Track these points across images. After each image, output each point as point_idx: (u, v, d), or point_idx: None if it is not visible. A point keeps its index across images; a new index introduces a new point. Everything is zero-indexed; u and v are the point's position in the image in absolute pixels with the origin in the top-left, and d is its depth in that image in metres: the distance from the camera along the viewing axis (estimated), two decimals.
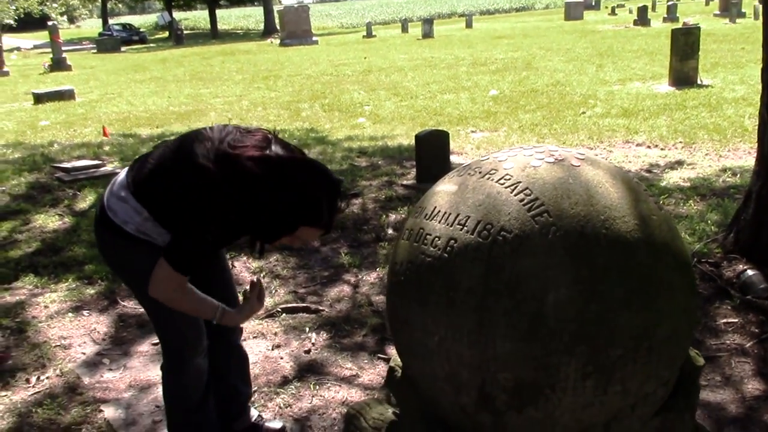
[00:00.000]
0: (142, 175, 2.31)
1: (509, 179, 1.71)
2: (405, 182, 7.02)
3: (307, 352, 3.93)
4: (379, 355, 3.86)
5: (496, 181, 1.72)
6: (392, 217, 6.01)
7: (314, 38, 31.21)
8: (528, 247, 1.60)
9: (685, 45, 11.66)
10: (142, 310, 4.48)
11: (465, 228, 1.67)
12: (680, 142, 7.96)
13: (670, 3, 29.31)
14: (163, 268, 2.20)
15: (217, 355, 2.82)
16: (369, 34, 33.00)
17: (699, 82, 11.80)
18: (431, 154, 6.85)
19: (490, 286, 1.61)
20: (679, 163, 7.09)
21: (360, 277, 4.88)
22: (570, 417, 1.66)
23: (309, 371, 3.74)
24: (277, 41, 32.74)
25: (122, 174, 2.42)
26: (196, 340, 2.60)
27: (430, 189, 1.92)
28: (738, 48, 16.68)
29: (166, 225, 2.30)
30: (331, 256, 5.28)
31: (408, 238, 1.81)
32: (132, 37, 45.76)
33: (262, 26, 46.58)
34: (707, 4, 40.25)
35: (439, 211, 1.75)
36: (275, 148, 2.17)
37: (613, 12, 37.70)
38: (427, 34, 28.96)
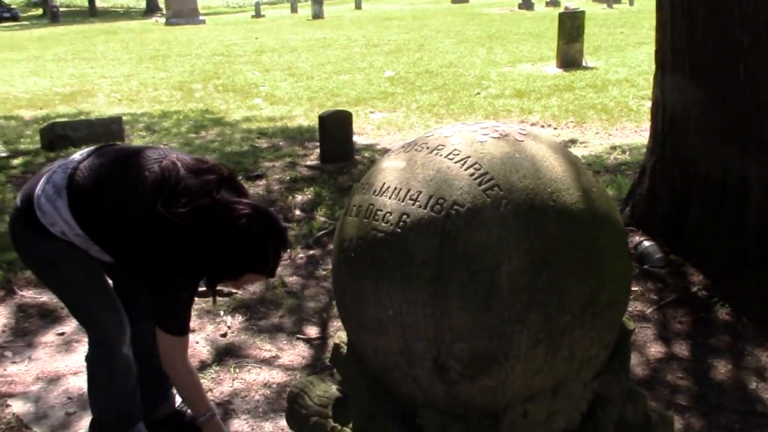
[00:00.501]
0: (81, 192, 2.24)
1: (458, 154, 1.74)
2: (309, 163, 6.98)
3: (224, 335, 3.87)
4: (298, 335, 3.85)
5: (445, 157, 1.75)
6: (298, 197, 5.98)
7: (201, 17, 30.39)
8: (481, 220, 1.64)
9: (571, 28, 12.10)
10: (43, 299, 4.31)
11: (417, 203, 1.69)
12: (572, 121, 8.29)
13: None
14: (164, 339, 2.27)
15: (141, 341, 2.74)
16: (258, 14, 32.44)
17: (584, 64, 12.29)
18: (334, 134, 6.85)
19: (444, 259, 1.63)
20: (573, 142, 7.39)
21: None
22: (521, 383, 1.72)
23: (227, 354, 3.69)
24: (163, 20, 31.66)
25: (58, 173, 2.31)
26: (119, 327, 2.51)
27: (375, 166, 1.93)
28: (617, 32, 17.47)
29: (106, 248, 2.29)
30: None
31: (357, 215, 1.82)
32: (2, 14, 43.07)
33: (144, 4, 44.87)
34: None
35: (389, 187, 1.77)
36: (224, 193, 2.16)
37: None
38: (317, 15, 28.75)
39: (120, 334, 2.49)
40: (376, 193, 1.79)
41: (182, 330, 2.30)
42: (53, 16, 37.62)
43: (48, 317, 4.08)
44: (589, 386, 1.85)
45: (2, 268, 4.68)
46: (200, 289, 2.41)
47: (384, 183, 1.79)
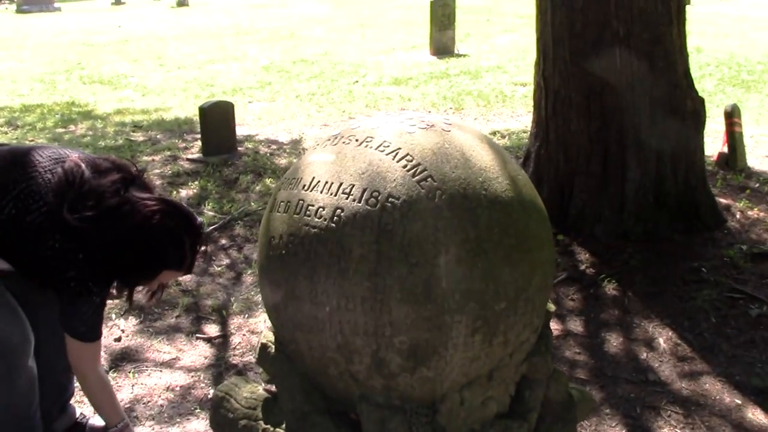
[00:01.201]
0: None
1: (389, 146, 1.73)
2: (190, 156, 6.76)
3: (118, 340, 3.70)
4: (198, 335, 3.73)
5: (376, 149, 1.73)
6: (183, 192, 5.78)
7: (56, 5, 28.72)
8: (417, 212, 1.63)
9: (443, 16, 12.33)
10: None
11: (351, 196, 1.67)
12: (451, 108, 8.46)
13: None
14: (74, 347, 2.17)
15: (39, 350, 2.57)
16: (118, 1, 31.03)
17: (456, 51, 12.56)
18: (216, 126, 6.66)
19: (382, 252, 1.62)
20: None
21: None
22: (459, 371, 1.73)
23: (123, 359, 3.53)
24: (13, 7, 29.71)
25: None
26: (23, 339, 2.35)
27: (301, 159, 1.88)
28: (484, 19, 17.96)
29: (5, 255, 2.18)
30: None
31: (285, 211, 1.77)
32: None
33: None
34: None
35: (320, 181, 1.73)
36: (133, 191, 2.05)
37: None
38: (182, 2, 27.82)
39: (24, 346, 2.33)
40: (305, 188, 1.75)
41: (94, 336, 2.19)
42: None
43: None
44: (520, 369, 1.90)
45: None
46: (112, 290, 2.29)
47: (313, 177, 1.75)
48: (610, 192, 4.51)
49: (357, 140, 1.78)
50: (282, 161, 6.52)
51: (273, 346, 1.98)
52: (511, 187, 1.75)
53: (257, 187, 5.84)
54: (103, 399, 2.32)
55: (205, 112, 6.60)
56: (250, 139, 7.31)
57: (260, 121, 8.18)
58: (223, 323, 3.84)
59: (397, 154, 1.71)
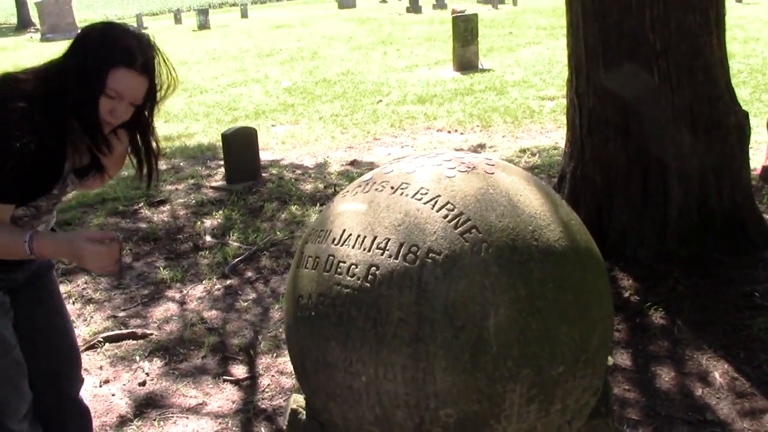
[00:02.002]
0: None
1: (426, 193, 1.56)
2: (214, 184, 6.65)
3: (143, 384, 3.56)
4: (225, 377, 3.58)
5: (413, 197, 1.56)
6: (208, 222, 5.66)
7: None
8: (461, 268, 1.46)
9: (465, 31, 12.17)
10: None
11: (387, 252, 1.49)
12: (477, 125, 8.27)
13: None
14: None
15: (51, 414, 2.41)
16: (140, 26, 31.30)
17: (480, 66, 12.38)
18: (239, 152, 6.56)
19: (424, 315, 1.44)
20: (481, 146, 7.36)
21: (185, 292, 4.52)
22: None
23: (148, 406, 3.39)
24: (38, 36, 30.09)
25: None
26: (14, 400, 2.18)
27: (329, 208, 1.71)
28: (506, 33, 17.78)
29: None
30: (147, 272, 4.85)
31: (314, 267, 1.60)
32: None
33: (14, 20, 42.57)
34: None
35: (351, 235, 1.56)
36: None
37: (383, 0, 38.77)
38: (203, 25, 27.99)
39: (17, 406, 2.16)
40: (336, 242, 1.58)
41: None
42: None
43: None
44: None
45: None
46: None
47: (344, 230, 1.58)
48: (652, 213, 4.29)
49: (391, 187, 1.60)
50: (307, 187, 6.38)
51: (304, 412, 1.81)
52: (565, 235, 1.56)
53: (282, 215, 5.70)
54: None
55: (228, 138, 6.50)
56: (274, 165, 7.18)
57: (284, 145, 8.06)
58: (251, 363, 3.69)
59: (436, 202, 1.53)
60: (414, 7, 28.11)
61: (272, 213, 5.76)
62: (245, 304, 4.31)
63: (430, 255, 1.47)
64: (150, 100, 2.06)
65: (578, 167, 4.58)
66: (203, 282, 4.63)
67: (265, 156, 7.40)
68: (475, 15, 12.48)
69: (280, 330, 3.93)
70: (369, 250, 1.51)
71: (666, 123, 4.19)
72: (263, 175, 6.73)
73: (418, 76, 12.32)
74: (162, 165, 7.42)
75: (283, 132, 8.77)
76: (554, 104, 9.03)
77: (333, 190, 6.19)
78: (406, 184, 1.60)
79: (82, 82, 1.90)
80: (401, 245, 1.49)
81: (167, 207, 6.10)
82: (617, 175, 4.36)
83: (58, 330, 2.38)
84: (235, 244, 5.18)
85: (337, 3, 36.94)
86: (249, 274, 4.73)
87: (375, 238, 1.52)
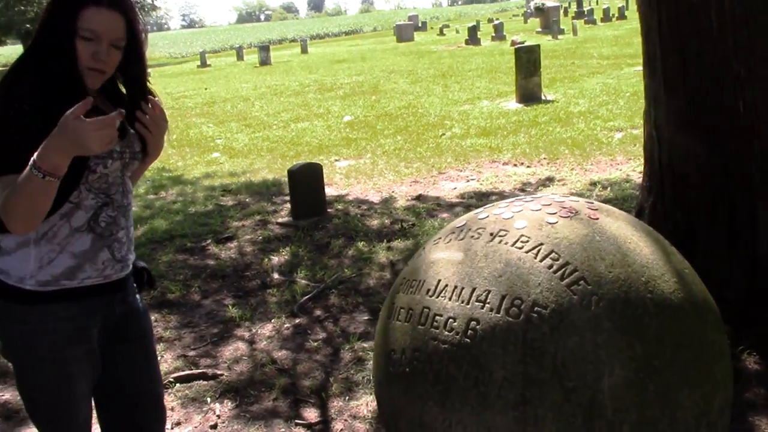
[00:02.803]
0: None
1: (527, 241, 1.45)
2: (280, 220, 6.64)
3: (214, 427, 3.50)
4: (297, 420, 3.49)
5: (513, 245, 1.46)
6: (275, 259, 5.63)
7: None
8: (570, 324, 1.34)
9: (528, 62, 12.06)
10: (5, 397, 3.88)
11: (487, 305, 1.39)
12: (544, 158, 8.12)
13: (496, 22, 30.65)
14: None
15: None
16: (203, 64, 32.13)
17: (543, 97, 12.24)
18: (305, 188, 6.54)
19: (530, 374, 1.33)
20: (550, 180, 7.20)
21: (254, 331, 4.47)
22: None
23: None
24: None
25: None
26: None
27: (421, 256, 1.62)
28: (568, 63, 17.60)
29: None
30: (216, 310, 4.82)
31: (407, 320, 1.51)
32: None
33: None
34: (526, 21, 42.59)
35: (447, 285, 1.46)
36: None
37: (441, 32, 39.01)
38: (265, 61, 28.58)
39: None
40: (430, 294, 1.48)
41: None
42: None
43: (12, 419, 3.65)
44: None
45: None
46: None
47: (439, 281, 1.48)
48: (739, 249, 4.07)
49: (489, 234, 1.51)
50: (374, 222, 6.31)
51: None
52: (680, 286, 1.44)
53: (350, 252, 5.63)
54: (15, 201, 1.79)
55: (294, 174, 6.49)
56: (339, 200, 7.15)
57: (348, 180, 8.04)
58: (323, 407, 3.59)
59: (539, 250, 1.43)
60: (473, 39, 28.17)
61: (339, 249, 5.70)
62: (315, 344, 4.23)
63: (536, 309, 1.36)
64: (133, 40, 1.96)
65: (657, 202, 4.39)
66: (272, 321, 4.57)
67: (329, 191, 7.38)
68: (538, 46, 12.37)
69: (352, 372, 3.84)
70: (468, 303, 1.41)
71: (753, 154, 3.99)
72: (329, 210, 6.70)
73: (480, 108, 12.24)
74: (228, 201, 7.50)
75: (346, 166, 8.76)
76: (623, 135, 8.82)
77: (400, 225, 6.11)
78: (505, 231, 1.50)
79: (54, 30, 1.85)
80: (503, 298, 1.39)
81: (234, 243, 6.11)
82: (700, 210, 4.17)
83: (152, 382, 2.33)
84: (303, 281, 5.12)
85: (396, 37, 37.33)
86: (318, 312, 4.66)
87: (474, 289, 1.42)
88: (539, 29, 30.94)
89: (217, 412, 3.60)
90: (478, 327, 1.38)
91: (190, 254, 5.93)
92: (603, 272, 1.39)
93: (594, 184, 6.86)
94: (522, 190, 6.95)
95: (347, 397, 3.63)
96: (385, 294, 4.75)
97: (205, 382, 3.91)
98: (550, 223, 1.48)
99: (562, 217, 1.51)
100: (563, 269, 1.39)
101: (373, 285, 4.94)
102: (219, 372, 3.99)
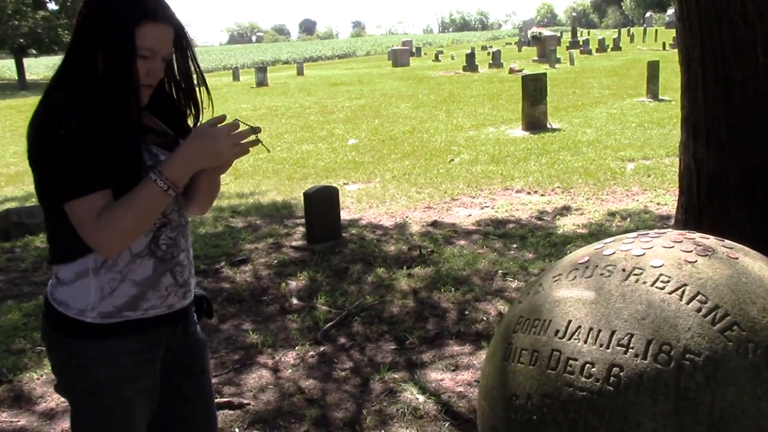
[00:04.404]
0: None
1: (668, 281, 1.35)
2: (294, 244, 6.52)
3: None
4: None
5: (652, 285, 1.35)
6: (293, 284, 5.49)
7: None
8: (726, 373, 1.23)
9: (535, 90, 12.06)
10: (21, 423, 3.72)
11: (631, 350, 1.28)
12: (558, 187, 8.05)
13: (493, 50, 30.82)
14: (70, 209, 1.70)
15: None
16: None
17: (549, 126, 12.22)
18: (320, 212, 6.42)
19: (685, 427, 1.22)
20: (566, 209, 7.12)
21: (277, 358, 4.33)
22: None
23: None
24: None
25: None
26: None
27: (540, 293, 1.51)
28: (570, 92, 17.64)
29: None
30: (235, 335, 4.68)
31: (532, 363, 1.39)
32: None
33: None
34: (520, 50, 42.90)
35: (580, 327, 1.35)
36: None
37: (436, 58, 39.21)
38: (262, 82, 28.56)
39: None
40: (560, 335, 1.37)
41: (75, 187, 1.69)
42: None
43: None
44: None
45: None
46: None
47: (569, 321, 1.37)
48: None
49: (622, 270, 1.40)
50: (390, 248, 6.20)
51: None
52: None
53: (369, 278, 5.51)
54: (131, 205, 1.71)
55: (310, 197, 6.38)
56: (353, 224, 7.04)
57: (360, 204, 7.93)
58: None
59: (683, 292, 1.32)
60: (470, 66, 28.29)
61: (358, 275, 5.58)
62: (343, 373, 4.09)
63: (687, 356, 1.25)
64: (179, 45, 1.88)
65: None
66: (295, 348, 4.43)
67: (342, 215, 7.27)
68: (544, 74, 12.39)
69: (385, 404, 3.71)
70: (608, 347, 1.30)
71: None
72: (343, 235, 6.58)
73: (486, 135, 12.20)
74: (238, 223, 7.37)
75: (356, 190, 8.66)
76: (635, 165, 8.78)
77: (419, 252, 6.00)
78: (639, 269, 1.39)
79: (109, 48, 1.73)
80: (649, 343, 1.28)
81: (249, 267, 5.97)
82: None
83: (209, 422, 2.19)
84: (324, 307, 4.99)
85: (391, 62, 37.47)
86: (342, 340, 4.53)
87: (613, 332, 1.31)
88: (535, 58, 31.15)
89: None
90: (621, 374, 1.27)
91: (204, 276, 5.79)
92: (756, 317, 1.29)
93: (612, 214, 6.79)
94: (539, 218, 6.87)
95: (382, 431, 3.50)
96: (410, 322, 4.63)
97: (232, 412, 3.76)
98: (690, 262, 1.38)
99: (699, 255, 1.40)
100: (713, 313, 1.29)
101: (397, 313, 4.82)
102: (245, 401, 3.84)
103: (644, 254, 1.43)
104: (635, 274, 1.39)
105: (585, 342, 1.33)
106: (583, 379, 1.31)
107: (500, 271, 5.38)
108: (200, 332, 2.15)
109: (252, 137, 1.74)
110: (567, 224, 6.56)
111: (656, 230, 1.53)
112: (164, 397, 2.03)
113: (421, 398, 3.70)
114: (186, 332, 2.05)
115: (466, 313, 4.72)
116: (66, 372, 1.88)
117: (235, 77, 34.31)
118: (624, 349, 1.29)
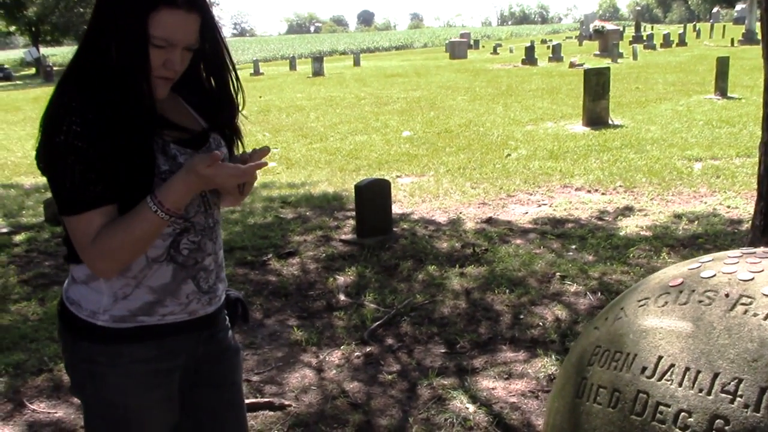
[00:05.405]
0: None
1: None
2: (344, 237, 6.34)
3: None
4: None
5: (765, 318, 1.10)
6: (340, 279, 5.32)
7: None
8: None
9: (597, 85, 11.66)
10: (59, 414, 3.63)
11: (739, 399, 1.04)
12: (620, 186, 7.70)
13: (553, 43, 30.20)
14: (67, 224, 1.59)
15: None
16: (257, 72, 32.20)
17: (611, 122, 11.80)
18: (371, 205, 6.22)
19: None
20: (629, 210, 6.79)
21: (321, 357, 4.15)
22: None
23: None
24: None
25: None
26: None
27: (621, 319, 1.27)
28: (633, 87, 17.10)
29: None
30: (279, 331, 4.52)
31: (612, 405, 1.16)
32: None
33: None
34: (581, 44, 42.00)
35: (673, 366, 1.12)
36: None
37: (495, 51, 38.66)
38: (318, 72, 28.51)
39: None
40: (648, 374, 1.13)
41: (75, 203, 1.56)
42: (47, 75, 37.33)
43: None
44: None
45: (8, 374, 4.00)
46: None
47: (659, 357, 1.14)
48: None
49: (725, 295, 1.15)
50: (443, 245, 5.97)
51: None
52: None
53: (420, 276, 5.30)
54: (125, 229, 1.56)
55: (361, 190, 6.19)
56: (405, 219, 6.83)
57: (412, 198, 7.72)
58: None
59: None
60: (530, 59, 27.77)
61: (408, 273, 5.37)
62: (389, 376, 3.89)
63: None
64: (210, 36, 1.68)
65: None
66: (341, 347, 4.25)
67: (393, 209, 7.07)
68: (608, 69, 11.96)
69: (432, 412, 3.50)
70: (709, 393, 1.06)
71: None
72: (394, 229, 6.38)
73: (544, 129, 11.85)
74: (288, 213, 7.23)
75: (409, 184, 8.45)
76: (702, 166, 8.36)
77: (472, 250, 5.76)
78: (749, 298, 1.15)
79: (120, 37, 1.55)
80: (763, 392, 1.03)
81: (296, 260, 5.82)
82: None
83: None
84: (372, 305, 4.80)
85: (449, 54, 37.10)
86: (390, 341, 4.33)
87: (716, 375, 1.07)
88: (597, 52, 30.41)
89: None
90: (727, 428, 1.03)
91: (250, 268, 5.66)
92: None
93: (678, 216, 6.43)
94: (599, 218, 6.55)
95: None
96: (462, 325, 4.41)
97: (272, 413, 3.61)
98: None
99: None
100: None
101: (448, 314, 4.60)
102: (286, 402, 3.68)
103: (753, 279, 1.19)
104: (743, 304, 1.14)
105: (680, 385, 1.09)
106: (677, 430, 1.07)
107: (558, 274, 5.11)
108: (232, 339, 1.96)
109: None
110: (629, 225, 6.23)
111: (764, 248, 1.28)
112: (188, 409, 1.86)
113: (471, 408, 3.48)
114: (213, 340, 1.87)
115: (521, 317, 4.47)
116: (77, 375, 1.74)
117: (292, 67, 34.40)
118: (730, 397, 1.05)
